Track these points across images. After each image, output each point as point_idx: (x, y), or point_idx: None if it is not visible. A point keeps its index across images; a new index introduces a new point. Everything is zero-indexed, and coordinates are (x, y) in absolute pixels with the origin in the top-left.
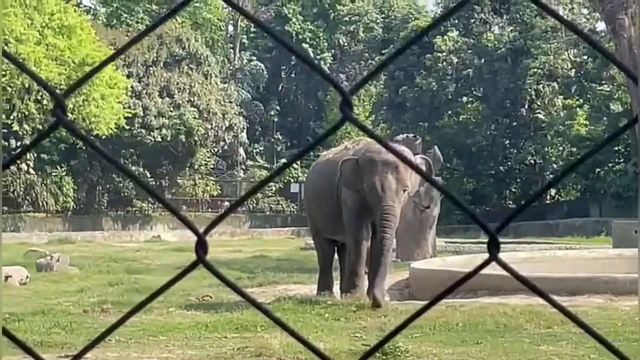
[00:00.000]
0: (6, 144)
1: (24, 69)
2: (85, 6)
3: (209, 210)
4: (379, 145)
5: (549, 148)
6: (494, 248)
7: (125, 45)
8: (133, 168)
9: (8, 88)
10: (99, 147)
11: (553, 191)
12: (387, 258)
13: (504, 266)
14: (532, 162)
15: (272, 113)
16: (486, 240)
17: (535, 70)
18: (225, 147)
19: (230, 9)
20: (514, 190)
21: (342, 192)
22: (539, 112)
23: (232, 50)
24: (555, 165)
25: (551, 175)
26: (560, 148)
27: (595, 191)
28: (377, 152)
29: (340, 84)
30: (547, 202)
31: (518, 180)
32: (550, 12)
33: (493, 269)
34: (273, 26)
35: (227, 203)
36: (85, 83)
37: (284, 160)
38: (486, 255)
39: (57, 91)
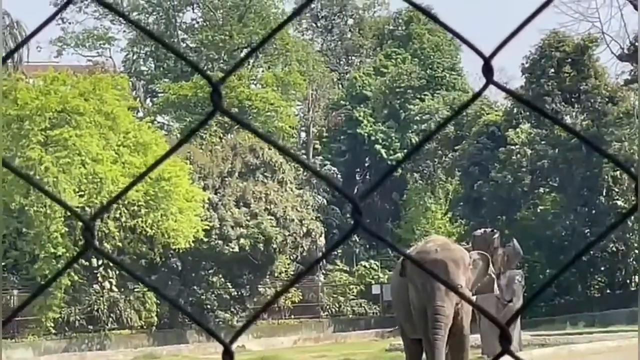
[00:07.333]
0: (87, 263)
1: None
2: (159, 122)
3: (292, 317)
4: (433, 244)
5: (631, 234)
6: (504, 341)
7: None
8: (214, 280)
9: (87, 208)
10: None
11: (638, 277)
12: (440, 357)
13: (516, 358)
14: (615, 249)
15: (349, 216)
16: (573, 331)
17: None
18: (304, 253)
19: (303, 115)
20: (598, 279)
21: (409, 290)
22: (618, 199)
23: (305, 156)
24: (637, 251)
25: (634, 262)
26: None
27: None
28: (426, 251)
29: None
30: (633, 289)
31: (602, 268)
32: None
33: None
34: (345, 130)
35: (321, 309)
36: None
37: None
38: (574, 346)
39: (85, 216)
